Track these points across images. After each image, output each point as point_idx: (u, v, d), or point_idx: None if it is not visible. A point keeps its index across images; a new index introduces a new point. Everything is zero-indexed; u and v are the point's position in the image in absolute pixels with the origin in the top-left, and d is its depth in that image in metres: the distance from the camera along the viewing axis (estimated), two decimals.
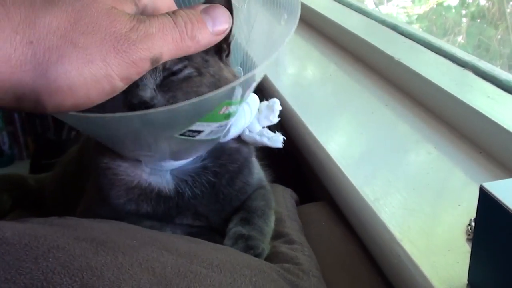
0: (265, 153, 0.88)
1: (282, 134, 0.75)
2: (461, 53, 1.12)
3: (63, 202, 0.98)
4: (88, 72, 0.44)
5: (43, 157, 1.68)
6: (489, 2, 1.54)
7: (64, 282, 0.42)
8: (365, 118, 1.06)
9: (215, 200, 0.75)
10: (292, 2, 0.66)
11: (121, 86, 0.48)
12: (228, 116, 0.63)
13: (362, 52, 1.33)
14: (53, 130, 2.21)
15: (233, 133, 0.74)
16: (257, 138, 0.75)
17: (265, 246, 0.71)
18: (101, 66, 0.45)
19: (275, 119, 0.77)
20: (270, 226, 0.77)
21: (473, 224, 0.69)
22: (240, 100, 0.63)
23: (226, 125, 0.66)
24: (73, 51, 0.43)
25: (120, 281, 0.44)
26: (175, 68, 0.61)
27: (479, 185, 0.54)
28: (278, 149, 0.75)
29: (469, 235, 0.69)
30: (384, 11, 2.07)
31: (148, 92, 0.59)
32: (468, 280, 0.61)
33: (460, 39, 1.62)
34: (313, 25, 1.60)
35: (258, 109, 0.77)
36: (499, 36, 1.42)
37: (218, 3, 0.54)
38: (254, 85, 0.65)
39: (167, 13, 0.49)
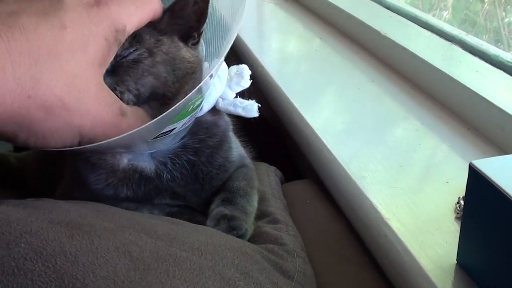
0: (249, 129, 0.86)
1: (267, 111, 0.73)
2: (449, 28, 1.10)
3: (45, 181, 0.96)
4: (63, 132, 0.51)
5: None
6: None
7: (36, 269, 0.40)
8: (351, 94, 1.04)
9: (194, 180, 0.73)
10: None
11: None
12: (198, 105, 0.62)
13: (348, 26, 1.31)
14: None
15: (207, 107, 0.73)
16: (231, 108, 0.74)
17: (249, 226, 0.69)
18: (75, 133, 0.52)
19: (246, 84, 0.75)
20: (253, 205, 0.75)
21: (461, 202, 0.68)
22: (205, 93, 0.63)
23: (196, 114, 0.65)
24: (61, 112, 0.49)
25: (95, 266, 0.42)
26: (126, 53, 0.59)
27: (469, 162, 0.53)
28: (263, 126, 0.74)
29: (457, 213, 0.67)
30: None
31: None
32: (457, 260, 0.60)
33: (446, 14, 1.60)
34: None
35: (229, 77, 0.75)
36: (485, 11, 1.40)
37: None
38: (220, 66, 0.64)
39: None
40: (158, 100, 0.61)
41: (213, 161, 0.74)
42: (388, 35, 1.13)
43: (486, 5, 1.39)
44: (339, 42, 1.29)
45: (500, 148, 0.81)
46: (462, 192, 0.56)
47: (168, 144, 0.69)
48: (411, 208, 0.70)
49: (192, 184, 0.73)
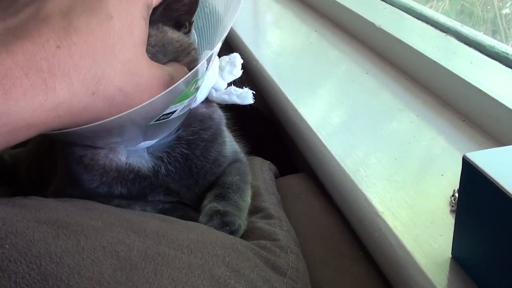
0: (243, 123, 0.85)
1: (262, 105, 0.72)
2: (444, 19, 1.09)
3: (38, 178, 0.95)
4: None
5: None
6: None
7: (20, 270, 0.39)
8: (346, 87, 1.03)
9: (188, 175, 0.72)
10: None
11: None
12: (197, 88, 0.61)
13: (342, 19, 1.30)
14: None
15: (201, 97, 0.72)
16: (226, 97, 0.73)
17: (242, 222, 0.69)
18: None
19: (238, 73, 0.75)
20: (246, 201, 0.75)
21: (456, 195, 0.67)
22: (205, 73, 0.62)
23: (195, 96, 0.64)
24: (122, 99, 0.51)
25: (80, 267, 0.41)
26: None
27: (463, 155, 0.52)
28: (257, 119, 0.73)
29: (452, 206, 0.67)
30: None
31: None
32: (452, 254, 0.60)
33: (442, 5, 1.59)
34: None
35: (219, 66, 0.75)
36: (482, 2, 1.40)
37: None
38: (217, 50, 0.63)
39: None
40: None
41: (207, 155, 0.73)
42: (382, 27, 1.12)
43: None
44: (334, 34, 1.28)
45: (495, 139, 0.81)
46: (457, 184, 0.55)
47: (166, 133, 0.69)
48: (406, 202, 0.70)
49: (186, 178, 0.72)
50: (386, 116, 0.92)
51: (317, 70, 1.12)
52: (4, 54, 0.44)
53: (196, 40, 0.70)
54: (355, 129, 0.88)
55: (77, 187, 0.71)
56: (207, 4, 0.73)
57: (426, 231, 0.64)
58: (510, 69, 0.88)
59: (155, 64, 0.55)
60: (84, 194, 0.69)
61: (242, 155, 0.82)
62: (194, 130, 0.72)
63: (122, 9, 0.51)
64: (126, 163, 0.69)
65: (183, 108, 0.61)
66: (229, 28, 0.62)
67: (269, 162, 0.94)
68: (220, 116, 0.77)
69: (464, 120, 0.87)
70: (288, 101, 0.98)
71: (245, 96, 0.73)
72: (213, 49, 0.61)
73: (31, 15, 0.47)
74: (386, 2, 1.28)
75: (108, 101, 0.50)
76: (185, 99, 0.59)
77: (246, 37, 1.30)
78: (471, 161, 0.51)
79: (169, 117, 0.59)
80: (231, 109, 0.80)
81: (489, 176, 0.48)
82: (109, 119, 0.51)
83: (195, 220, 0.67)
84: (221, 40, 0.61)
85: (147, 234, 0.51)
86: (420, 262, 0.60)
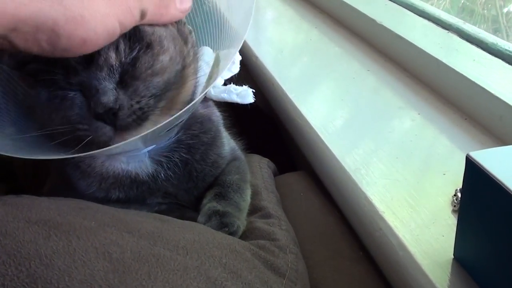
0: (243, 121, 0.84)
1: (262, 102, 0.71)
2: (446, 16, 1.08)
3: (34, 176, 0.94)
4: (96, 7, 0.48)
5: None
6: None
7: (9, 273, 0.38)
8: (347, 84, 1.02)
9: (188, 179, 0.71)
10: None
11: (118, 30, 0.51)
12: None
13: (343, 15, 1.29)
14: None
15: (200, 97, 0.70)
16: (225, 96, 0.71)
17: (241, 222, 0.68)
18: (105, 4, 0.48)
19: (236, 70, 0.73)
20: (246, 200, 0.74)
21: (459, 194, 0.66)
22: None
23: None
24: None
25: (71, 269, 0.40)
26: (131, 58, 0.58)
27: (465, 153, 0.51)
28: (257, 117, 0.71)
29: (454, 206, 0.66)
30: None
31: (109, 95, 0.55)
32: (454, 255, 0.58)
33: (444, 2, 1.58)
34: None
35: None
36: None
37: None
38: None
39: None
40: (171, 90, 0.60)
41: (207, 159, 0.72)
42: (383, 24, 1.10)
43: None
44: (334, 31, 1.27)
45: (498, 138, 0.79)
46: (459, 184, 0.54)
47: (167, 138, 0.68)
48: (407, 201, 0.68)
49: (185, 182, 0.71)
50: (387, 114, 0.90)
51: (317, 67, 1.11)
52: None
53: (194, 35, 0.69)
54: (356, 127, 0.87)
55: (72, 190, 0.70)
56: (206, 1, 0.72)
57: (427, 231, 0.63)
58: None
59: None
60: (80, 197, 0.68)
61: (239, 152, 0.82)
62: (194, 133, 0.71)
63: None
64: (124, 169, 0.68)
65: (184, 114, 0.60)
66: (242, 42, 0.63)
67: (267, 159, 0.93)
68: (218, 116, 0.76)
69: (466, 119, 0.85)
70: (288, 98, 0.97)
71: (245, 95, 0.71)
72: (227, 65, 0.62)
73: None
74: None
75: None
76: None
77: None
78: (475, 160, 0.49)
79: (171, 128, 0.60)
80: (228, 105, 0.79)
81: (493, 175, 0.47)
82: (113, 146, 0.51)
83: (193, 220, 0.66)
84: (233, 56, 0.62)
85: (141, 234, 0.50)
86: (421, 263, 0.59)
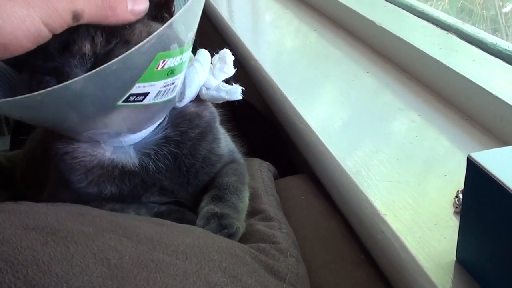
0: (243, 124, 0.84)
1: (262, 105, 0.71)
2: (445, 17, 1.08)
3: (34, 182, 0.94)
4: (11, 10, 0.46)
5: (21, 133, 1.64)
6: None
7: (6, 280, 0.38)
8: (346, 86, 1.01)
9: (178, 173, 0.71)
10: None
11: (46, 32, 0.49)
12: (171, 72, 0.59)
13: (342, 18, 1.28)
14: None
15: (189, 95, 0.71)
16: (215, 93, 0.72)
17: (240, 224, 0.67)
18: (23, 5, 0.46)
19: (230, 70, 0.73)
20: (244, 202, 0.73)
21: (460, 196, 0.65)
22: (179, 51, 0.59)
23: (174, 83, 0.62)
24: None
25: (69, 276, 0.40)
26: (105, 51, 0.58)
27: (466, 155, 0.51)
28: (257, 120, 0.71)
29: (456, 207, 0.65)
30: None
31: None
32: (456, 257, 0.58)
33: (442, 3, 1.58)
34: None
35: (212, 64, 0.73)
36: (482, 0, 1.38)
37: None
38: (190, 32, 0.62)
39: None
40: None
41: (195, 153, 0.72)
42: (383, 25, 1.10)
43: None
44: (334, 33, 1.26)
45: (499, 138, 0.79)
46: (460, 185, 0.54)
47: (150, 124, 0.68)
48: (408, 203, 0.68)
49: (177, 176, 0.71)
50: (387, 116, 0.90)
51: (317, 70, 1.10)
52: None
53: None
54: (356, 129, 0.87)
55: (68, 189, 0.70)
56: None
57: (429, 233, 0.63)
58: None
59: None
60: (77, 197, 0.68)
61: (239, 156, 0.81)
62: (182, 130, 0.71)
63: None
64: (109, 158, 0.68)
65: (158, 93, 0.59)
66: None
67: (268, 163, 0.92)
68: (211, 113, 0.76)
69: (466, 119, 0.85)
70: (287, 101, 0.97)
71: (234, 92, 0.72)
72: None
73: None
74: (386, 0, 1.26)
75: None
76: (154, 80, 0.57)
77: (245, 36, 1.29)
78: (476, 161, 0.49)
79: (142, 100, 0.58)
80: (229, 108, 0.79)
81: (494, 176, 0.47)
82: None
83: (193, 222, 0.65)
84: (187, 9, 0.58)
85: (140, 239, 0.49)
86: (424, 265, 0.58)
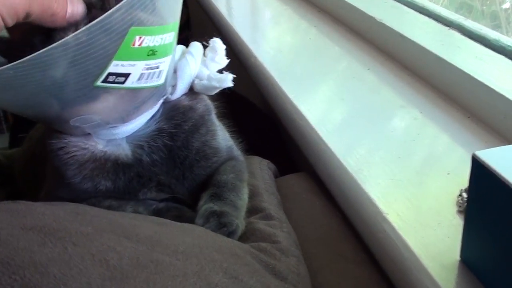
0: (243, 121, 0.83)
1: (262, 102, 0.70)
2: (446, 12, 1.07)
3: (33, 180, 0.93)
4: None
5: (20, 130, 1.63)
6: None
7: (2, 282, 0.37)
8: (347, 83, 1.01)
9: (173, 165, 0.71)
10: None
11: (1, 23, 0.50)
12: (152, 53, 0.58)
13: (343, 14, 1.27)
14: None
15: (182, 87, 0.71)
16: (206, 83, 0.71)
17: (240, 222, 0.66)
18: None
19: (222, 60, 0.73)
20: (243, 199, 0.73)
21: (464, 195, 0.64)
22: (158, 29, 0.58)
23: (158, 67, 0.61)
24: None
25: (67, 278, 0.39)
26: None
27: (469, 152, 0.50)
28: (257, 117, 0.70)
29: (460, 206, 0.64)
30: None
31: None
32: (460, 256, 0.57)
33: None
34: None
35: (204, 56, 0.73)
36: None
37: None
38: (170, 14, 0.61)
39: None
40: None
41: (189, 145, 0.71)
42: (383, 21, 1.09)
43: None
44: (334, 30, 1.25)
45: (502, 136, 0.78)
46: (464, 184, 0.53)
47: (141, 112, 0.67)
48: (411, 202, 0.67)
49: (172, 169, 0.71)
50: (388, 113, 0.89)
51: (317, 67, 1.09)
52: None
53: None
54: (357, 126, 0.86)
55: (64, 186, 0.69)
56: None
57: (432, 232, 0.62)
58: None
59: None
60: (73, 195, 0.68)
61: (237, 153, 0.80)
62: (176, 122, 0.71)
63: None
64: (101, 151, 0.67)
65: (141, 76, 0.59)
66: None
67: (268, 161, 0.91)
68: (205, 106, 0.75)
69: (469, 117, 0.84)
70: (287, 98, 0.96)
71: (224, 79, 0.71)
72: None
73: None
74: None
75: None
76: (132, 59, 0.56)
77: (244, 33, 1.28)
78: (481, 159, 0.48)
79: (124, 82, 0.57)
80: (228, 105, 0.78)
81: (500, 175, 0.46)
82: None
83: (192, 220, 0.65)
84: None
85: (139, 239, 0.48)
86: (427, 265, 0.57)
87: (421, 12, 1.12)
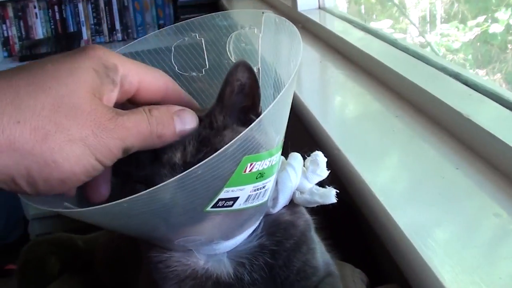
0: (329, 227, 0.81)
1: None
2: None
3: (118, 275, 0.93)
4: (70, 150, 0.49)
5: None
6: None
7: None
8: (436, 185, 0.97)
9: (273, 285, 0.69)
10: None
11: (99, 167, 0.52)
12: (260, 176, 0.59)
13: (425, 104, 1.25)
14: None
15: (283, 200, 0.70)
16: (308, 198, 0.71)
17: None
18: (81, 146, 0.50)
19: (323, 173, 0.72)
20: None
21: None
22: (268, 154, 0.59)
23: (264, 187, 0.61)
24: (56, 131, 0.49)
25: None
26: (196, 160, 0.59)
27: None
28: (342, 218, 0.69)
29: None
30: (428, 39, 2.03)
31: None
32: None
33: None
34: (371, 72, 1.53)
35: (304, 167, 0.72)
36: None
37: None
38: (278, 134, 0.62)
39: (144, 110, 0.55)
40: None
41: (290, 265, 0.70)
42: (471, 118, 1.06)
43: None
44: (416, 122, 1.22)
45: None
46: None
47: (243, 230, 0.67)
48: None
49: None
50: (482, 223, 0.86)
51: (402, 161, 1.07)
52: None
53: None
54: (452, 237, 0.83)
55: None
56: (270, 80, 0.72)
57: None
58: None
59: (102, 105, 0.53)
60: None
61: (333, 268, 0.78)
62: (278, 239, 0.69)
63: (61, 60, 0.53)
64: (203, 268, 0.67)
65: (248, 198, 0.59)
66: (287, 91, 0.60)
67: (359, 270, 0.89)
68: (306, 221, 0.74)
69: None
70: (378, 201, 0.93)
71: (328, 195, 0.70)
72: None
73: None
74: (468, 86, 1.23)
75: (35, 136, 0.49)
76: (242, 184, 0.57)
77: (329, 129, 1.27)
78: None
79: (232, 206, 0.57)
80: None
81: None
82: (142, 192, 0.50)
83: None
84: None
85: None
86: None
87: (509, 108, 1.09)
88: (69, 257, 1.11)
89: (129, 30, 3.67)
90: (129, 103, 0.60)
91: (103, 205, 0.51)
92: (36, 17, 3.52)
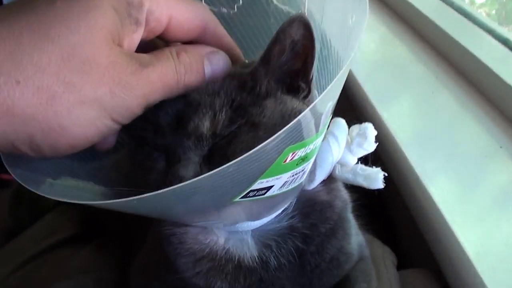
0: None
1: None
2: None
3: (123, 226, 0.87)
4: (81, 113, 0.42)
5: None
6: None
7: None
8: (479, 166, 0.87)
9: (302, 272, 0.61)
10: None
11: (115, 127, 0.45)
12: (301, 161, 0.49)
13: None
14: None
15: (320, 176, 0.60)
16: (350, 177, 0.61)
17: None
18: (95, 107, 0.42)
19: (370, 147, 0.61)
20: None
21: None
22: (314, 137, 0.48)
23: (303, 170, 0.51)
24: (65, 91, 0.41)
25: None
26: (227, 132, 0.49)
27: None
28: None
29: None
30: None
31: (190, 170, 0.47)
32: None
33: None
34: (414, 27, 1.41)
35: (349, 137, 0.62)
36: None
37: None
38: (329, 111, 0.50)
39: (172, 54, 0.47)
40: None
41: (323, 252, 0.62)
42: None
43: None
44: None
45: None
46: None
47: (274, 212, 0.58)
48: None
49: (299, 277, 0.61)
50: None
51: (449, 139, 0.95)
52: None
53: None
54: (498, 223, 0.75)
55: (172, 271, 0.61)
56: (325, 46, 0.61)
57: None
58: None
59: (123, 53, 0.44)
60: (180, 283, 0.60)
61: (366, 250, 0.71)
62: (312, 222, 0.61)
63: None
64: (223, 248, 0.59)
65: (284, 184, 0.49)
66: (344, 71, 0.46)
67: (389, 250, 0.81)
68: (344, 201, 0.65)
69: None
70: (415, 174, 0.84)
71: (375, 179, 0.59)
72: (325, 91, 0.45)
73: None
74: None
75: (43, 95, 0.41)
76: (280, 173, 0.47)
77: (376, 101, 1.12)
78: None
79: (265, 194, 0.48)
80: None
81: None
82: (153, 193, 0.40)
83: None
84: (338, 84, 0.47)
85: None
86: None
87: None
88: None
89: None
90: (158, 38, 0.51)
91: (112, 201, 0.41)
92: None
